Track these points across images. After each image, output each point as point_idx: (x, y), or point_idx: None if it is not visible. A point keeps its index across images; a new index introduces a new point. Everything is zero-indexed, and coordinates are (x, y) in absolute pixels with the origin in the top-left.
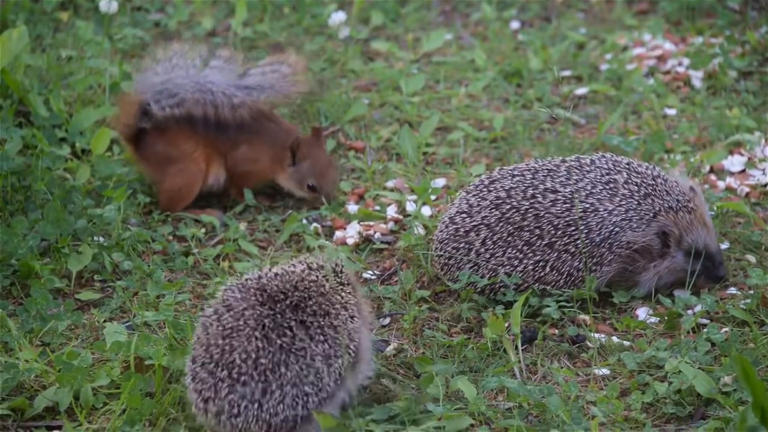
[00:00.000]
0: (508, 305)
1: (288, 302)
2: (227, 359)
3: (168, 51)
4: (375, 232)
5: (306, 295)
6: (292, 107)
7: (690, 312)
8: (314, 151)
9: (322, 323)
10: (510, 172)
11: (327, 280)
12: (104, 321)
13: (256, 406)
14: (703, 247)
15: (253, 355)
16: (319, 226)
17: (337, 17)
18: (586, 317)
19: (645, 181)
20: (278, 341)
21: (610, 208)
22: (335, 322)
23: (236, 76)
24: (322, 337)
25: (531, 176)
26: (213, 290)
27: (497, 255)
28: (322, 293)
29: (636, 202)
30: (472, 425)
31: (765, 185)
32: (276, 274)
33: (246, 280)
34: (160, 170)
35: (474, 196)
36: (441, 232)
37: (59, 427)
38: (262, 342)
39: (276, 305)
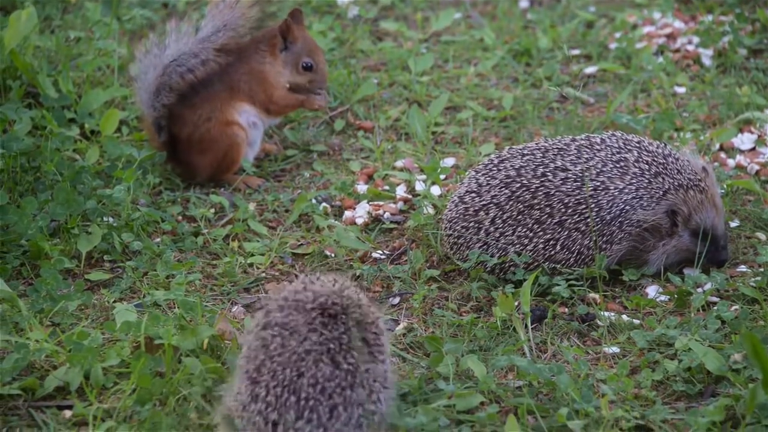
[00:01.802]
0: (518, 284)
1: (351, 321)
2: (295, 384)
3: (141, 47)
4: (384, 212)
5: (363, 311)
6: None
7: (700, 290)
8: (301, 32)
9: (381, 341)
10: (520, 151)
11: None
12: (114, 301)
13: (321, 430)
14: (710, 228)
15: (321, 381)
16: (328, 205)
17: None
18: (596, 296)
19: (656, 159)
20: (345, 365)
21: (621, 187)
22: (385, 342)
23: (192, 35)
24: (381, 356)
25: (541, 155)
26: (222, 270)
27: (507, 234)
28: (366, 312)
29: (647, 181)
30: (482, 403)
31: None
32: (329, 291)
33: (295, 293)
34: (202, 148)
35: (483, 175)
36: (450, 211)
37: (70, 407)
38: (330, 367)
39: (339, 325)
